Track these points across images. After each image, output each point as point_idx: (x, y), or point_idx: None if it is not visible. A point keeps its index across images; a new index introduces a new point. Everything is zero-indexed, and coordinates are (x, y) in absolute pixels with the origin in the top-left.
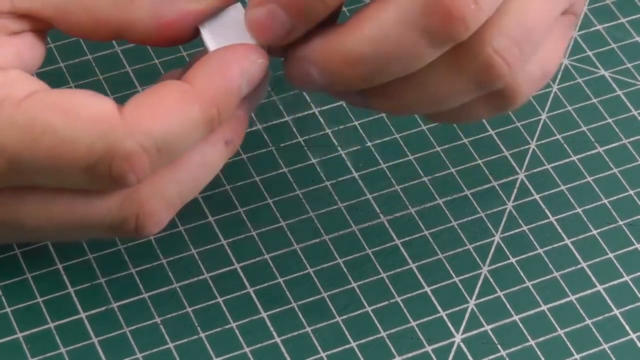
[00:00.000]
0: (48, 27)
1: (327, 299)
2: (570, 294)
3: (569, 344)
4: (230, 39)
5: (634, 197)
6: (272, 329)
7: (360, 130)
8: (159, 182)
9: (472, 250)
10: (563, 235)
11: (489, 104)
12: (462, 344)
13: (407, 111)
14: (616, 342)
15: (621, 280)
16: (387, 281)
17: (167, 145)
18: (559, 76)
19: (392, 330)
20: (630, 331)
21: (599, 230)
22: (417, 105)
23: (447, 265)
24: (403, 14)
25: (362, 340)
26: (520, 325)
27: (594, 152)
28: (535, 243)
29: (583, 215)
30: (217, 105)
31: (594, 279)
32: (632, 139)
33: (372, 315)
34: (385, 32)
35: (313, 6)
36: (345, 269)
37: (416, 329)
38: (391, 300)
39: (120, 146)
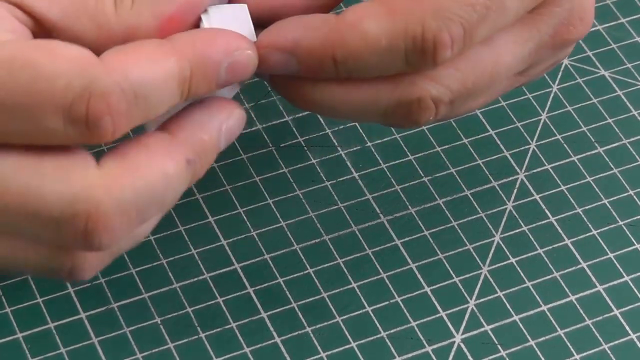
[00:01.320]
0: (44, 34)
1: (327, 299)
2: (570, 294)
3: (569, 344)
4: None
5: (634, 197)
6: (272, 329)
7: (360, 130)
8: (115, 185)
9: (472, 250)
10: (563, 235)
11: (394, 126)
12: (462, 344)
13: (316, 109)
14: (616, 342)
15: (621, 280)
16: (387, 281)
17: (143, 93)
18: (559, 76)
19: (392, 330)
20: (630, 331)
21: (599, 230)
22: (330, 108)
23: (447, 265)
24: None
25: (362, 340)
26: (520, 325)
27: (594, 152)
28: (535, 243)
29: (583, 215)
30: (192, 66)
31: (594, 279)
32: (632, 139)
33: (372, 315)
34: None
35: (325, 71)
36: (345, 269)
37: (416, 329)
38: (391, 300)
39: (98, 84)
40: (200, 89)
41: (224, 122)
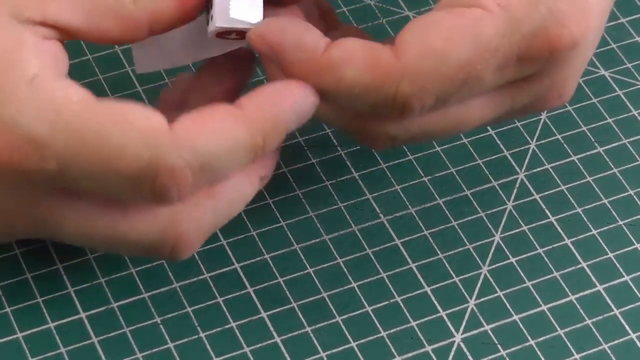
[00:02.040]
0: (70, 39)
1: (327, 299)
2: (570, 294)
3: (569, 344)
4: (240, 12)
5: (634, 197)
6: (272, 329)
7: None
8: (198, 212)
9: (472, 250)
10: (563, 235)
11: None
12: (462, 344)
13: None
14: (616, 342)
15: (621, 280)
16: (387, 281)
17: (210, 164)
18: None
19: (392, 330)
20: (630, 331)
21: (599, 230)
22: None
23: (447, 265)
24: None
25: (362, 340)
26: (520, 325)
27: (594, 152)
28: (535, 243)
29: (583, 215)
30: (264, 134)
31: (594, 279)
32: (632, 139)
33: (372, 315)
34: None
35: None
36: (345, 269)
37: (416, 329)
38: (391, 300)
39: (166, 160)
40: (273, 145)
41: (299, 106)
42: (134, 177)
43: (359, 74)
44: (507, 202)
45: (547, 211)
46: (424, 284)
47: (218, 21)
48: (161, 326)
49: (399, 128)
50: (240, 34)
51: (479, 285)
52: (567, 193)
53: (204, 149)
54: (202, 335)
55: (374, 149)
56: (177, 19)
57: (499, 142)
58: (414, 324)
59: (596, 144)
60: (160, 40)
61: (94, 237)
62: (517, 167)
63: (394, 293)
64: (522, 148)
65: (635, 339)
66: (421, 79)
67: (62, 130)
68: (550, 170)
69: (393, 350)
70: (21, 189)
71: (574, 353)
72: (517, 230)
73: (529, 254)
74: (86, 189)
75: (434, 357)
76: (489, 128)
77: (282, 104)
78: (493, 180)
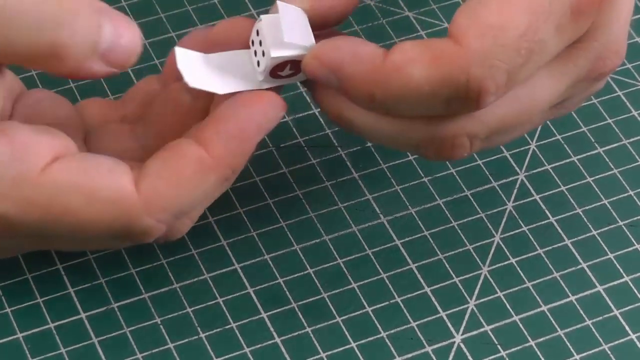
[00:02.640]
0: None
1: (327, 299)
2: (570, 294)
3: (569, 344)
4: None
5: (634, 197)
6: (272, 329)
7: None
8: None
9: (472, 250)
10: (563, 235)
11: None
12: (462, 344)
13: (355, 131)
14: (616, 342)
15: (621, 280)
16: (387, 281)
17: (183, 213)
18: None
19: (392, 330)
20: (630, 331)
21: (599, 231)
22: (369, 133)
23: (447, 265)
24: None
25: (362, 340)
26: (520, 325)
27: (594, 152)
28: (535, 243)
29: (583, 216)
30: (233, 167)
31: (594, 279)
32: (632, 139)
33: (372, 315)
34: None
35: (362, 102)
36: (345, 269)
37: (416, 329)
38: (391, 300)
39: (138, 224)
40: (241, 168)
41: (263, 126)
42: (109, 239)
43: (426, 71)
44: (507, 203)
45: (547, 211)
46: (424, 284)
47: (273, 51)
48: (161, 326)
49: (476, 123)
50: (294, 66)
51: (479, 285)
52: (567, 193)
53: (174, 206)
54: (202, 335)
55: (453, 159)
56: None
57: None
58: (414, 324)
59: (596, 144)
60: (210, 59)
61: (91, 248)
62: (517, 167)
63: (394, 293)
64: (522, 148)
65: (635, 340)
66: (488, 58)
67: (29, 210)
68: (550, 170)
69: (393, 351)
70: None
71: (574, 353)
72: (517, 231)
73: (529, 255)
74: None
75: (434, 357)
76: None
77: (249, 133)
78: (493, 181)
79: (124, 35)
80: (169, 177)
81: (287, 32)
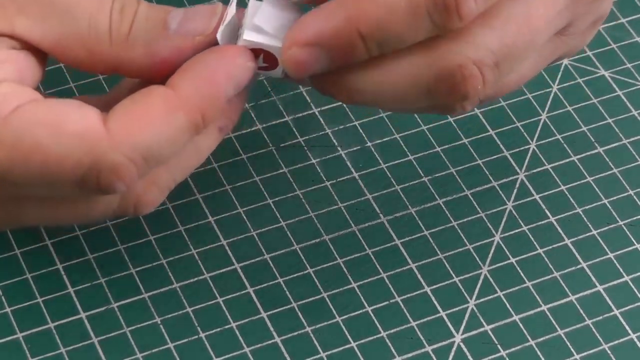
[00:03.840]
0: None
1: (327, 299)
2: (570, 294)
3: (569, 344)
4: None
5: (634, 197)
6: (272, 329)
7: (360, 130)
8: (152, 174)
9: (472, 250)
10: (563, 235)
11: (441, 109)
12: (462, 344)
13: (360, 101)
14: (616, 342)
15: (621, 280)
16: (387, 281)
17: (153, 154)
18: (559, 76)
19: (392, 330)
20: (630, 331)
21: (599, 230)
22: (374, 95)
23: (447, 265)
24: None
25: (362, 340)
26: (520, 325)
27: (594, 152)
28: (535, 243)
29: (583, 215)
30: (202, 111)
31: (594, 279)
32: (632, 139)
33: (372, 315)
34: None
35: (355, 51)
36: (345, 269)
37: (416, 329)
38: (391, 300)
39: (106, 159)
40: (212, 121)
41: (233, 77)
42: (78, 181)
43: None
44: (507, 202)
45: (547, 211)
46: (424, 284)
47: (246, 32)
48: (161, 326)
49: (476, 49)
50: (268, 58)
51: (479, 285)
52: (567, 193)
53: (143, 143)
54: (202, 335)
55: (471, 96)
56: (147, 75)
57: (499, 142)
58: (414, 324)
59: (596, 144)
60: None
61: (59, 221)
62: (517, 167)
63: (394, 293)
64: (522, 148)
65: (635, 339)
66: None
67: None
68: (550, 170)
69: (393, 350)
70: None
71: (574, 353)
72: (517, 231)
73: (529, 254)
74: (35, 194)
75: (434, 357)
76: (489, 128)
77: (216, 77)
78: (493, 180)
79: None
80: (137, 113)
81: (261, 18)
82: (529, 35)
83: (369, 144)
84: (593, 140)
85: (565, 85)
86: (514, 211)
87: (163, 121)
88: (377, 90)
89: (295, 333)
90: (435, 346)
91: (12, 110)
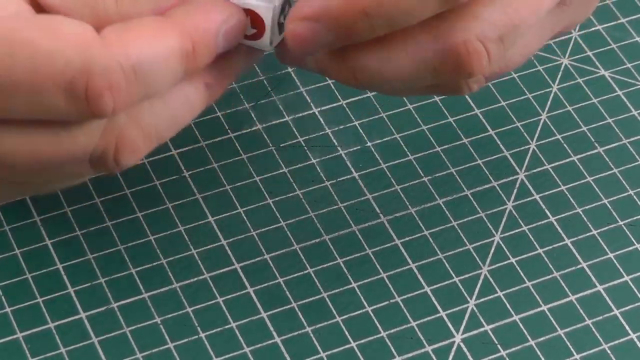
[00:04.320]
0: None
1: (327, 299)
2: (570, 294)
3: (569, 344)
4: None
5: (634, 197)
6: (272, 329)
7: (360, 130)
8: (136, 111)
9: (472, 250)
10: (563, 235)
11: (448, 88)
12: (462, 344)
13: (365, 82)
14: (616, 342)
15: (621, 280)
16: (387, 281)
17: (143, 70)
18: (559, 76)
19: (392, 330)
20: (630, 331)
21: (599, 230)
22: (379, 75)
23: (447, 265)
24: None
25: (362, 340)
26: (520, 325)
27: (594, 152)
28: (535, 243)
29: (583, 215)
30: (194, 40)
31: (594, 279)
32: (632, 139)
33: (372, 315)
34: None
35: (360, 29)
36: (345, 269)
37: (416, 329)
38: (391, 300)
39: (98, 62)
40: (203, 60)
41: (225, 21)
42: (67, 85)
43: None
44: (507, 202)
45: (547, 211)
46: (424, 284)
47: None
48: (161, 326)
49: (479, 23)
50: (256, 22)
51: (479, 285)
52: (567, 193)
53: (136, 52)
54: (202, 335)
55: (476, 72)
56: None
57: (499, 142)
58: (414, 324)
59: (596, 144)
60: None
61: (37, 161)
62: (517, 167)
63: (394, 293)
64: (522, 148)
65: (635, 339)
66: None
67: None
68: (550, 170)
69: (393, 350)
70: None
71: (574, 353)
72: (517, 230)
73: (529, 254)
74: (17, 110)
75: (434, 357)
76: (489, 128)
77: (210, 16)
78: (493, 180)
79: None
80: (131, 28)
81: None
82: (531, 6)
83: (369, 144)
84: (593, 140)
85: (565, 85)
86: (514, 211)
87: (156, 38)
88: (382, 68)
89: (295, 333)
90: (435, 346)
91: (9, 14)
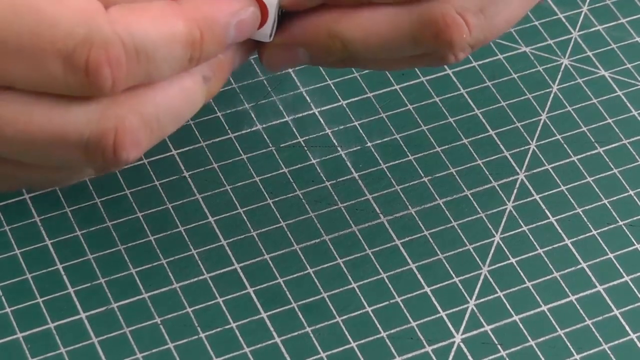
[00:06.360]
0: None
1: (327, 299)
2: (570, 294)
3: (569, 344)
4: None
5: (634, 197)
6: (272, 329)
7: (360, 130)
8: (137, 100)
9: (472, 250)
10: (563, 235)
11: (432, 58)
12: (462, 344)
13: (351, 48)
14: (616, 342)
15: (621, 280)
16: (387, 281)
17: (146, 50)
18: (559, 76)
19: (392, 330)
20: (630, 331)
21: (599, 230)
22: (363, 41)
23: (447, 265)
24: None
25: (362, 340)
26: (520, 325)
27: (594, 152)
28: (535, 243)
29: (583, 215)
30: (201, 29)
31: (594, 279)
32: (632, 139)
33: (372, 315)
34: None
35: None
36: (345, 269)
37: (416, 329)
38: (391, 300)
39: (100, 34)
40: (211, 51)
41: (237, 13)
42: (67, 54)
43: None
44: (507, 202)
45: (547, 211)
46: (424, 284)
47: None
48: (161, 326)
49: None
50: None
51: (479, 285)
52: (567, 193)
53: (139, 31)
54: (202, 335)
55: (456, 44)
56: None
57: (499, 142)
58: (414, 324)
59: (596, 144)
60: None
61: (32, 137)
62: (517, 167)
63: (394, 293)
64: (522, 148)
65: (635, 339)
66: None
67: None
68: (550, 170)
69: (393, 351)
70: None
71: (574, 353)
72: (517, 231)
73: (529, 254)
74: (16, 76)
75: (434, 357)
76: (489, 128)
77: (222, 6)
78: (493, 180)
79: None
80: (139, 8)
81: None
82: None
83: (369, 144)
84: (593, 140)
85: (565, 85)
86: (514, 211)
87: (162, 20)
88: (364, 37)
89: (295, 333)
90: (435, 346)
91: None
